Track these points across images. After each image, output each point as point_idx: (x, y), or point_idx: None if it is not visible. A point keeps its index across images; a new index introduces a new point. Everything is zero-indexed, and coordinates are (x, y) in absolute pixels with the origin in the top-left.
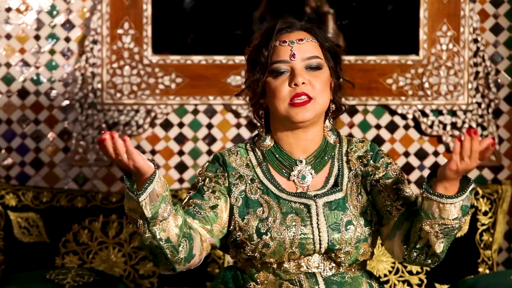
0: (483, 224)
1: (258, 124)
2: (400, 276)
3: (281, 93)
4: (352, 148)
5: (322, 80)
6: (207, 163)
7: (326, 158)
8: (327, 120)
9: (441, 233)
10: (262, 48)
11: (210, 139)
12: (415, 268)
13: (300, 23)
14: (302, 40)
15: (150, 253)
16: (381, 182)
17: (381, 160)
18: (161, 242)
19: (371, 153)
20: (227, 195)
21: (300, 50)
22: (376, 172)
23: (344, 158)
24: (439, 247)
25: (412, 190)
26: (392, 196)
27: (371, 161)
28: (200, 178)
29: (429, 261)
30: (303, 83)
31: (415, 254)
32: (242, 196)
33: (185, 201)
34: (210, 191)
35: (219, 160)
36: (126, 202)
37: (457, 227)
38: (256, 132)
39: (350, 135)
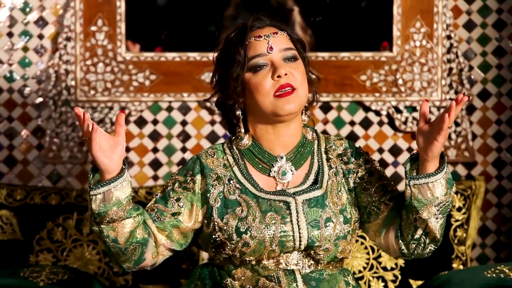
0: (457, 220)
1: (234, 123)
2: (375, 272)
3: (264, 87)
4: (331, 146)
5: (301, 71)
6: (181, 166)
7: (305, 153)
8: (303, 114)
9: (440, 213)
10: (237, 46)
11: (185, 136)
12: (389, 264)
13: (269, 20)
14: (276, 33)
15: (108, 251)
16: (365, 179)
17: (361, 157)
18: (107, 240)
19: (350, 150)
20: (194, 201)
21: (276, 42)
22: (359, 170)
23: (324, 156)
24: (439, 231)
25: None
26: (379, 192)
27: (352, 158)
28: (170, 182)
29: (428, 249)
30: (285, 74)
31: (413, 245)
32: (220, 197)
33: (150, 203)
34: (175, 198)
35: (195, 163)
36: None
37: (450, 201)
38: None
39: (325, 132)
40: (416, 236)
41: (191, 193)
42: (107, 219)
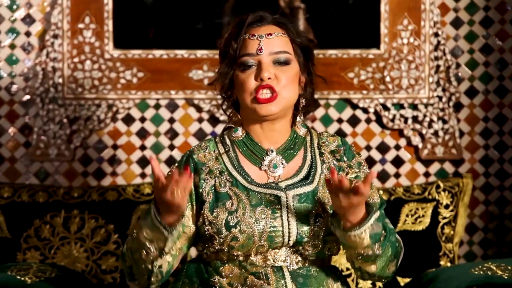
0: (444, 218)
1: (230, 115)
2: None
3: (247, 86)
4: (324, 141)
5: (289, 75)
6: (176, 165)
7: (296, 148)
8: (298, 116)
9: (361, 259)
10: (232, 40)
11: (172, 134)
12: None
13: (272, 17)
14: (271, 34)
15: (132, 269)
16: (351, 183)
17: (353, 159)
18: (155, 269)
19: (343, 148)
20: (192, 200)
21: (268, 44)
22: (349, 171)
23: (317, 151)
24: (370, 269)
25: (378, 196)
26: None
27: (344, 157)
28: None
29: (374, 279)
30: (269, 78)
31: (359, 273)
32: (212, 191)
33: None
34: None
35: (187, 160)
36: (145, 230)
37: (373, 254)
38: (222, 126)
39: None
40: (356, 266)
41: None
42: (171, 252)
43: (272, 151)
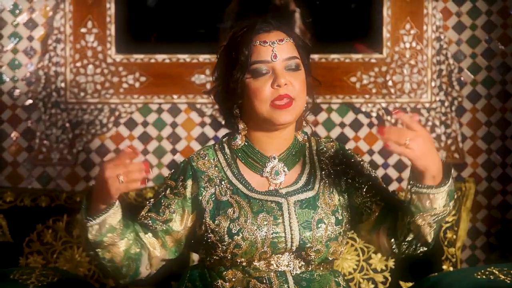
0: (446, 222)
1: (231, 121)
2: (365, 274)
3: (263, 94)
4: (322, 148)
5: (301, 80)
6: (173, 170)
7: (297, 155)
8: (304, 121)
9: (434, 222)
10: (242, 47)
11: (175, 138)
12: (379, 266)
13: (275, 23)
14: (282, 40)
15: (100, 266)
16: (356, 180)
17: (352, 159)
18: (103, 261)
19: (341, 152)
20: (186, 207)
21: (280, 50)
22: (350, 171)
23: (316, 158)
24: (431, 236)
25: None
26: (370, 192)
27: (343, 160)
28: (162, 187)
29: (419, 250)
30: (285, 84)
31: (404, 247)
32: (212, 199)
33: (144, 211)
34: (166, 205)
35: (186, 167)
36: (78, 217)
37: (447, 213)
38: (224, 131)
39: (315, 134)
40: (408, 238)
41: (182, 199)
42: (103, 245)
43: (274, 158)
